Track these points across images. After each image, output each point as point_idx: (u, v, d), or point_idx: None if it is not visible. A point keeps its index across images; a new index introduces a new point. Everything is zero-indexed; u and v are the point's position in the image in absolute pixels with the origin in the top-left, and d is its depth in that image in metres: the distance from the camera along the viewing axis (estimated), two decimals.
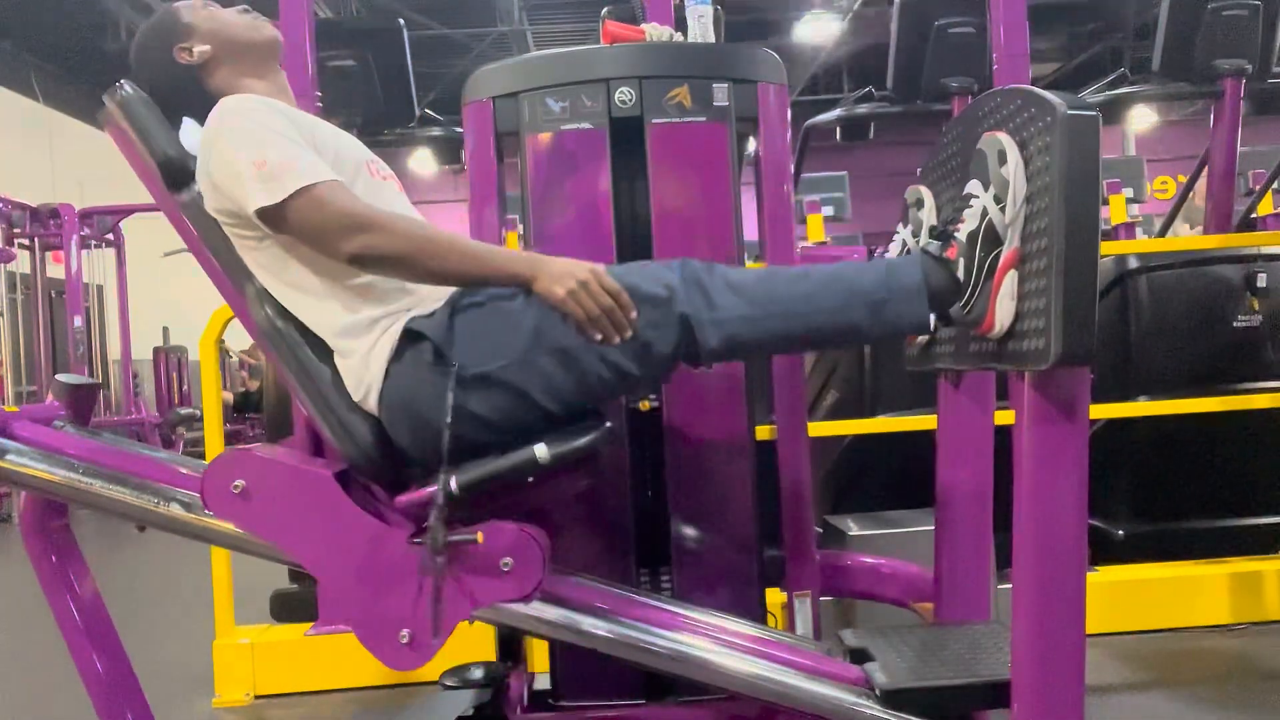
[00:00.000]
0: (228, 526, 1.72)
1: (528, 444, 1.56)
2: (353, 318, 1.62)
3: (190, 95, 1.77)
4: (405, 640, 1.57)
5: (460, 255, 1.56)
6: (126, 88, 1.75)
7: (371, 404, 1.62)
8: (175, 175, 1.73)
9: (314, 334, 1.66)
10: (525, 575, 1.57)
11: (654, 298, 1.55)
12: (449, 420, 1.52)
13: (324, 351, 1.66)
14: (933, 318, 1.59)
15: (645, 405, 1.99)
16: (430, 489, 1.54)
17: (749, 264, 2.20)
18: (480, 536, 1.55)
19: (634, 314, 1.54)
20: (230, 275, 1.73)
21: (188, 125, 1.79)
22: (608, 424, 1.68)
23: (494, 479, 1.56)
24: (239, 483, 1.61)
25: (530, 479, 1.57)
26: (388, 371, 1.60)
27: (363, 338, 1.62)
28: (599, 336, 1.53)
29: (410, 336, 1.59)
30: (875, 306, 1.56)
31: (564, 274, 1.53)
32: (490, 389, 1.56)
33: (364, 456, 1.63)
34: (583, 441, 1.59)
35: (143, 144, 1.74)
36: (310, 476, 1.63)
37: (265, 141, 1.58)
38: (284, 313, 1.68)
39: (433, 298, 1.64)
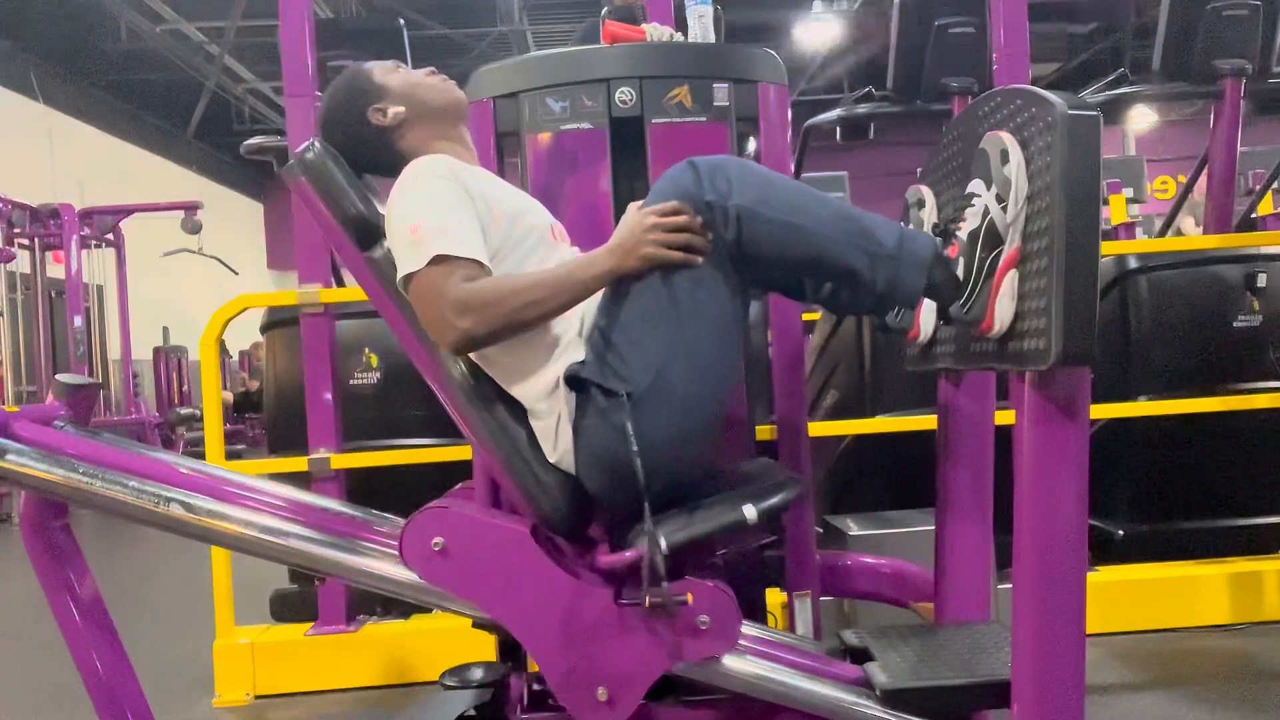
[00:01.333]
0: (229, 526, 1.73)
1: (722, 489, 1.59)
2: (544, 378, 1.64)
3: (379, 155, 1.79)
4: (603, 698, 1.60)
5: (551, 291, 1.56)
6: (316, 145, 1.73)
7: (568, 462, 1.63)
8: (365, 232, 1.71)
9: (506, 393, 1.67)
10: (723, 633, 1.60)
11: (688, 197, 1.55)
12: (635, 448, 1.52)
13: (518, 411, 1.67)
14: (921, 293, 1.58)
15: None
16: (637, 551, 1.52)
17: None
18: (690, 597, 1.57)
19: (699, 218, 1.54)
20: (418, 334, 1.70)
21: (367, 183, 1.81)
22: (799, 483, 1.73)
23: (701, 539, 1.57)
24: (439, 540, 1.62)
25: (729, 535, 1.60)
26: (575, 428, 1.61)
27: (553, 398, 1.63)
28: (699, 258, 1.54)
29: (574, 384, 1.60)
30: (876, 258, 1.56)
31: (632, 241, 1.55)
32: (659, 399, 1.56)
33: (557, 513, 1.64)
34: (780, 499, 1.63)
35: (331, 202, 1.72)
36: (508, 533, 1.65)
37: (428, 206, 1.59)
38: (478, 372, 1.68)
39: (573, 342, 1.65)
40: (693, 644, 1.60)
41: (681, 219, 1.54)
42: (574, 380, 1.60)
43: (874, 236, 1.57)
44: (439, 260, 1.53)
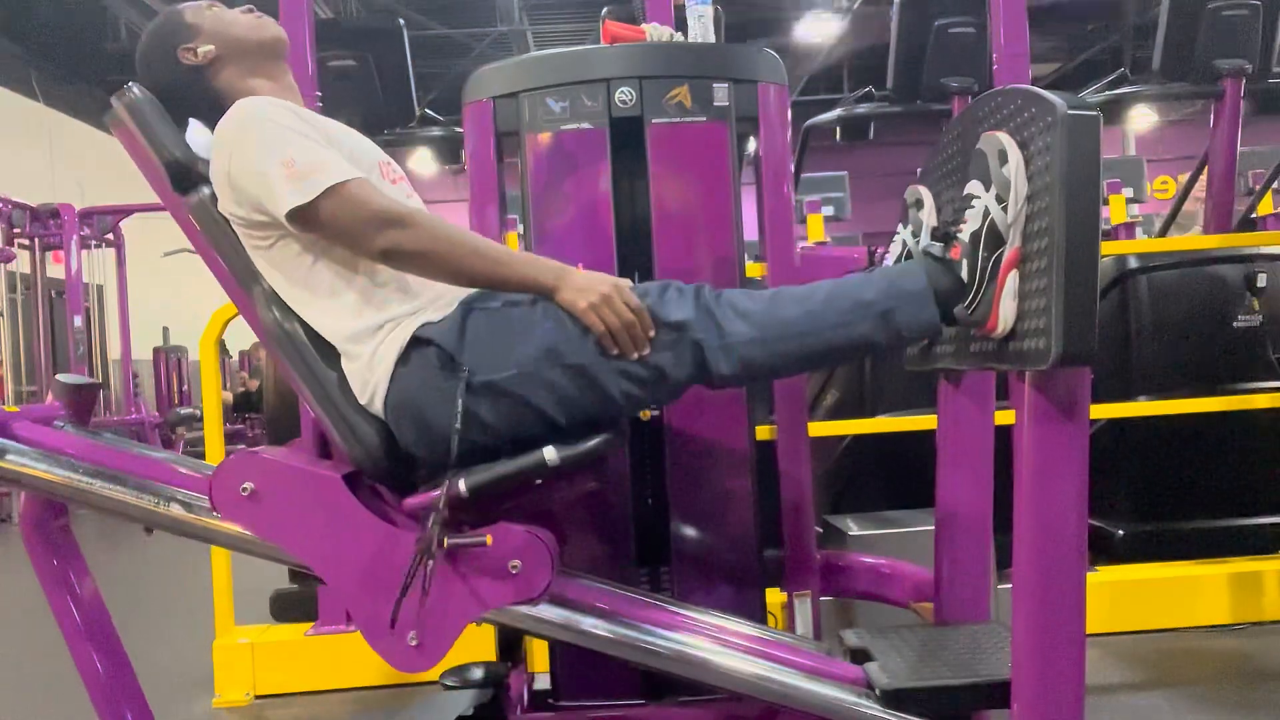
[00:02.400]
0: (229, 527, 1.72)
1: (532, 448, 1.56)
2: (360, 322, 1.63)
3: (196, 96, 1.77)
4: (414, 643, 1.57)
5: (485, 258, 1.56)
6: (134, 89, 1.74)
7: (377, 406, 1.62)
8: (183, 177, 1.73)
9: (321, 337, 1.66)
10: (533, 578, 1.57)
11: (671, 322, 1.56)
12: (458, 425, 1.52)
13: (331, 354, 1.66)
14: (940, 320, 1.58)
15: (645, 415, 1.99)
16: (437, 492, 1.54)
17: (749, 264, 2.20)
18: (489, 539, 1.54)
19: (652, 333, 1.55)
20: (238, 276, 1.73)
21: (194, 126, 1.79)
22: (616, 428, 1.68)
23: (502, 482, 1.56)
24: (248, 485, 1.61)
25: (538, 481, 1.57)
26: (393, 375, 1.60)
27: (369, 341, 1.62)
28: (615, 351, 1.54)
29: (419, 341, 1.60)
30: (883, 315, 1.56)
31: (588, 287, 1.54)
32: (499, 397, 1.56)
33: (370, 459, 1.63)
34: (591, 445, 1.58)
35: (150, 146, 1.73)
36: (318, 478, 1.63)
37: (289, 142, 1.58)
38: (291, 315, 1.68)
39: (441, 302, 1.64)
40: (502, 588, 1.57)
41: (635, 319, 1.54)
42: (422, 338, 1.59)
43: (866, 300, 1.57)
44: (334, 190, 1.54)
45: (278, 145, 1.58)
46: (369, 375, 1.62)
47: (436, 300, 1.64)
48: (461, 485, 1.53)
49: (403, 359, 1.60)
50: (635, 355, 1.55)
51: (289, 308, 1.68)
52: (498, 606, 1.60)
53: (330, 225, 1.57)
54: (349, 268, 1.63)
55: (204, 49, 1.75)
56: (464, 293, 1.64)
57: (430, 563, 1.51)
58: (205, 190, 1.71)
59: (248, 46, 1.77)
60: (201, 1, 1.80)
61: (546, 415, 1.57)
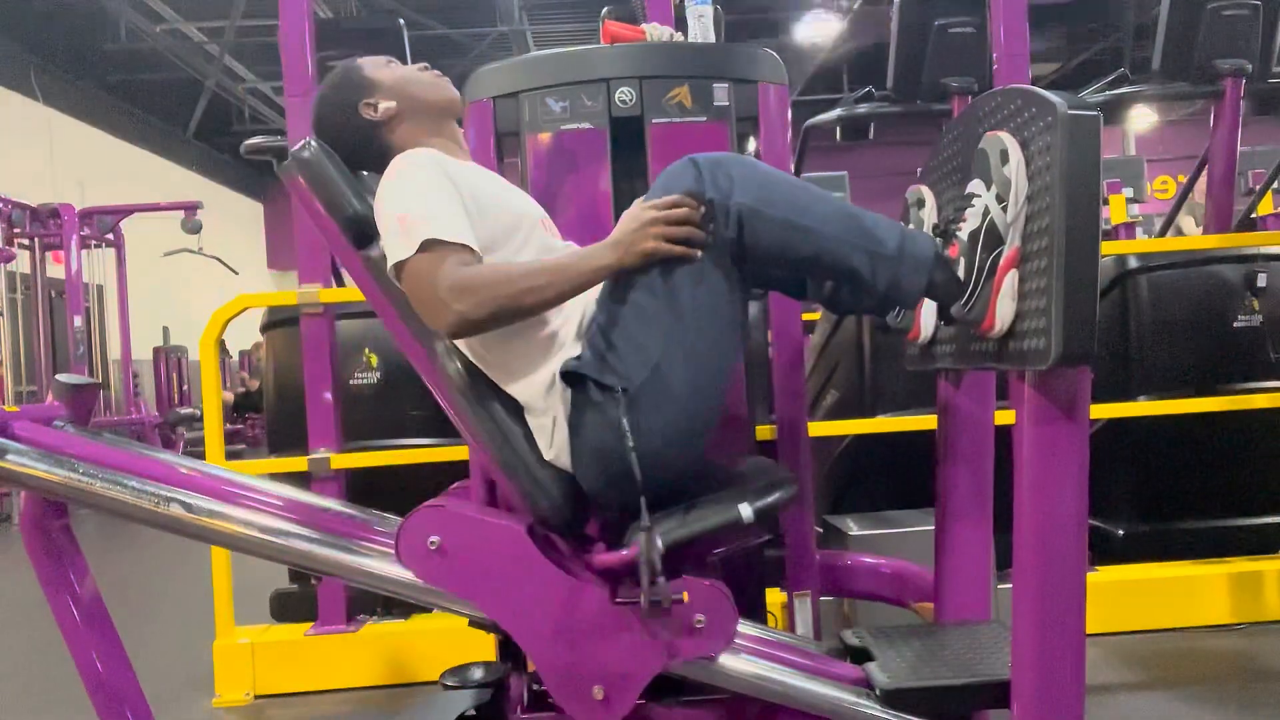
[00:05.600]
0: (229, 526, 1.73)
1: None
2: (541, 374, 1.63)
3: (371, 150, 1.77)
4: (599, 696, 1.59)
5: (549, 279, 1.54)
6: (311, 144, 1.72)
7: (565, 461, 1.63)
8: (361, 231, 1.70)
9: (502, 390, 1.67)
10: (719, 632, 1.61)
11: (690, 193, 1.55)
12: (631, 444, 1.52)
13: (514, 409, 1.66)
14: (921, 294, 1.59)
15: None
16: (632, 550, 1.51)
17: None
18: (686, 596, 1.57)
19: (702, 208, 1.54)
20: (414, 331, 1.70)
21: (366, 179, 1.79)
22: (795, 482, 1.73)
23: (698, 538, 1.57)
24: (435, 539, 1.62)
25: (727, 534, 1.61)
26: (571, 425, 1.61)
27: (551, 394, 1.62)
28: (698, 252, 1.54)
29: (571, 380, 1.59)
30: (877, 258, 1.56)
31: (634, 234, 1.54)
32: (655, 394, 1.56)
33: (554, 511, 1.64)
34: (777, 498, 1.62)
35: (327, 200, 1.71)
36: (504, 530, 1.64)
37: (415, 196, 1.58)
38: (473, 369, 1.68)
39: (571, 339, 1.64)
40: (689, 643, 1.60)
41: (682, 211, 1.53)
42: (571, 376, 1.59)
43: (875, 236, 1.56)
44: (429, 246, 1.52)
45: (404, 197, 1.58)
46: (558, 429, 1.62)
47: (567, 340, 1.64)
48: (659, 541, 1.51)
49: (576, 405, 1.60)
50: (707, 235, 1.53)
51: (470, 361, 1.68)
52: (685, 659, 1.62)
53: (409, 284, 1.55)
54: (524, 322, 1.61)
55: (385, 105, 1.76)
56: (585, 321, 1.65)
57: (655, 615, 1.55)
58: (380, 246, 1.68)
59: (427, 105, 1.78)
60: (380, 58, 1.81)
61: (696, 382, 1.57)
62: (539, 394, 1.63)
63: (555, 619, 1.60)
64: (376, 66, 1.80)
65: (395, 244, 1.55)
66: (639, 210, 1.56)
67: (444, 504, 1.68)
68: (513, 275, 1.54)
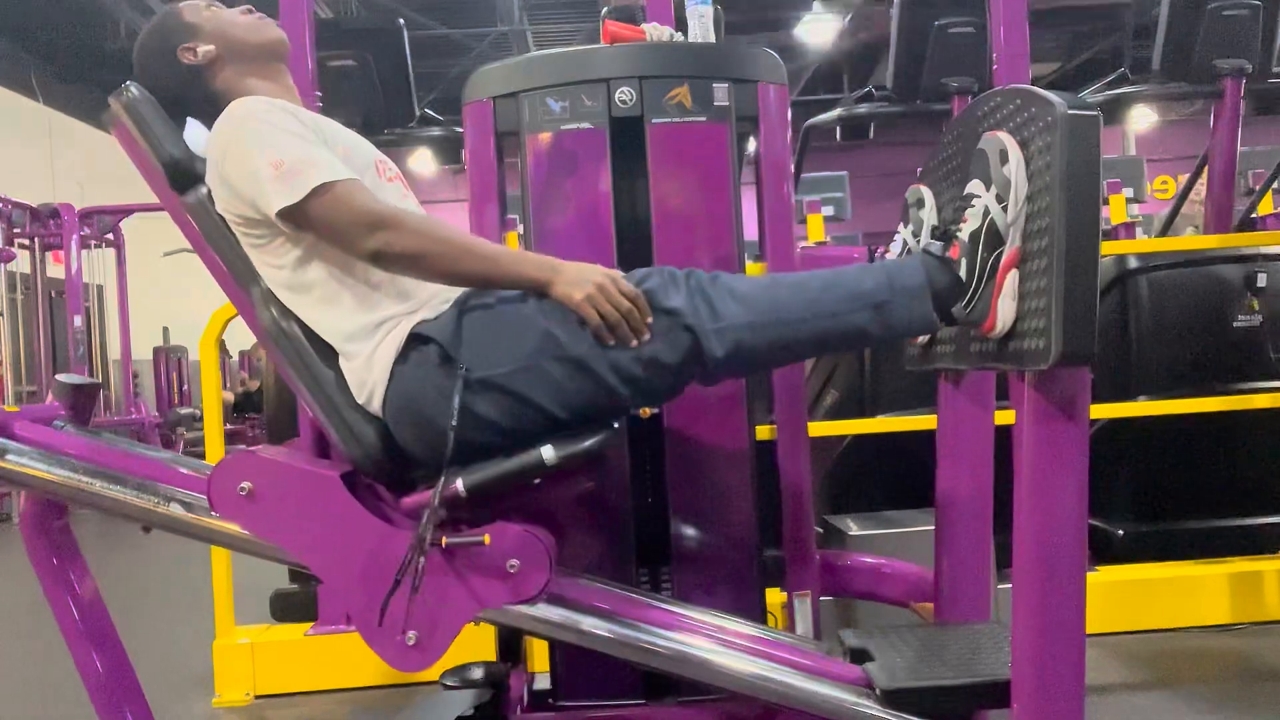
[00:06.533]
0: (229, 526, 1.72)
1: (531, 446, 1.55)
2: (357, 321, 1.63)
3: (194, 96, 1.77)
4: (411, 641, 1.57)
5: (477, 257, 1.56)
6: (132, 89, 1.74)
7: (375, 406, 1.62)
8: (181, 176, 1.73)
9: (319, 336, 1.66)
10: (531, 577, 1.57)
11: (666, 308, 1.55)
12: (454, 423, 1.52)
13: (329, 354, 1.66)
14: (936, 317, 1.58)
15: (645, 413, 1.99)
16: (429, 492, 1.53)
17: (749, 264, 2.20)
18: (487, 538, 1.54)
19: (650, 319, 1.54)
20: (236, 276, 1.73)
21: (192, 125, 1.79)
22: (613, 425, 1.68)
23: (500, 480, 1.56)
24: (245, 484, 1.61)
25: (536, 480, 1.57)
26: (392, 373, 1.60)
27: (366, 340, 1.62)
28: (613, 342, 1.54)
29: (416, 339, 1.60)
30: (879, 308, 1.56)
31: (581, 279, 1.54)
32: (496, 393, 1.56)
33: (368, 458, 1.63)
34: (589, 443, 1.58)
35: (148, 145, 1.73)
36: (316, 477, 1.63)
37: (281, 142, 1.59)
38: (289, 314, 1.68)
39: (437, 301, 1.64)
40: (499, 588, 1.57)
41: (628, 307, 1.53)
42: (420, 336, 1.59)
43: (863, 291, 1.57)
44: (324, 189, 1.54)
45: (269, 144, 1.58)
46: (367, 375, 1.62)
47: (432, 300, 1.64)
48: (459, 484, 1.53)
49: (401, 358, 1.60)
50: (634, 343, 1.54)
51: (286, 307, 1.68)
52: (495, 606, 1.60)
53: (319, 225, 1.57)
54: (345, 268, 1.63)
55: (204, 49, 1.75)
56: (459, 292, 1.64)
57: (422, 561, 1.51)
58: (203, 190, 1.71)
59: (248, 47, 1.77)
60: (200, 1, 1.80)
61: (545, 410, 1.57)
62: (357, 335, 1.62)
63: (364, 564, 1.59)
64: (195, 10, 1.78)
65: (274, 189, 1.55)
66: (604, 269, 1.56)
67: (255, 450, 1.69)
68: (442, 232, 1.55)
